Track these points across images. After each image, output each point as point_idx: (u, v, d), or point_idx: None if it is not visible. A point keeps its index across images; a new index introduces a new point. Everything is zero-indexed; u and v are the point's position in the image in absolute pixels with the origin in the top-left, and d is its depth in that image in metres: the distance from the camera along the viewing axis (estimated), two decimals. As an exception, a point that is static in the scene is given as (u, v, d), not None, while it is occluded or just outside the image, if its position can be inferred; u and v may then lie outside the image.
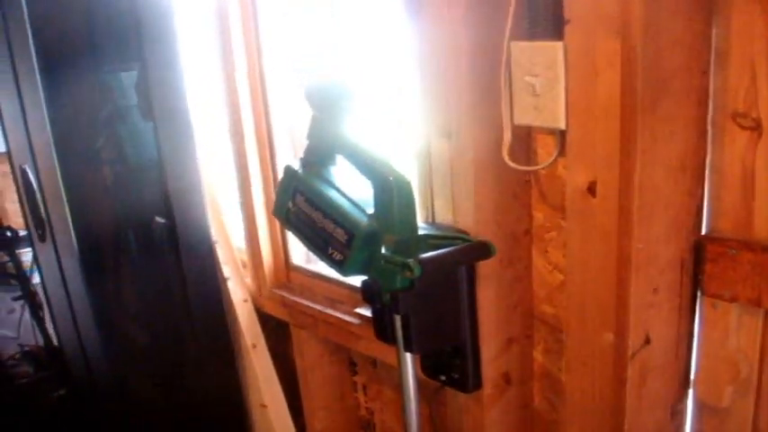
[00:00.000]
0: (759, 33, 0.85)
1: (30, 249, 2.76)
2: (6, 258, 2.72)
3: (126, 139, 1.63)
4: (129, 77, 1.59)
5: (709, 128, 0.93)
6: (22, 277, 2.59)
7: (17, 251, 2.68)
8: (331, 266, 1.16)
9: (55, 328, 2.10)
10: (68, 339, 1.96)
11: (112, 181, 1.65)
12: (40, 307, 2.50)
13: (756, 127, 0.88)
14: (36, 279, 2.57)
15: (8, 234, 2.84)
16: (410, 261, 0.98)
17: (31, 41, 1.44)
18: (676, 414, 1.07)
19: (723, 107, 0.90)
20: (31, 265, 2.75)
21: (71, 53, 1.52)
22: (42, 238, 1.82)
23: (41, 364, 2.45)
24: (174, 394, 1.77)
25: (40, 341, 2.46)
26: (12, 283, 3.19)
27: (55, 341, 2.34)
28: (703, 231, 0.98)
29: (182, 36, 1.58)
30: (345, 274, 1.15)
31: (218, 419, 1.78)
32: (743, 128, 0.89)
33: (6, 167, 3.58)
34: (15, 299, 2.69)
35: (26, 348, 2.59)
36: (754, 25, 0.85)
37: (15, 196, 3.67)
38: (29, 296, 2.54)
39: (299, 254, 1.66)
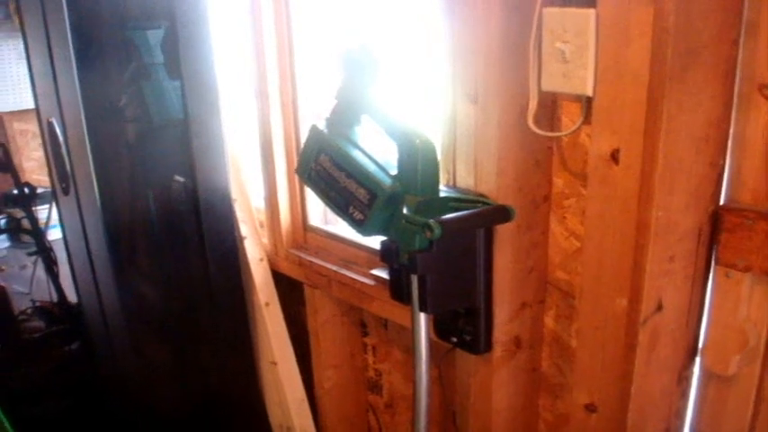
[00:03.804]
0: (790, 8, 0.87)
1: (46, 207, 2.81)
2: (23, 214, 2.76)
3: (150, 97, 1.65)
4: (154, 35, 1.61)
5: (734, 99, 0.94)
6: (38, 233, 2.62)
7: (34, 208, 2.72)
8: (351, 225, 1.18)
9: (74, 282, 2.13)
10: (87, 294, 1.99)
11: (135, 139, 1.68)
12: (54, 263, 2.54)
13: (781, 100, 0.89)
14: (51, 236, 2.61)
15: (26, 191, 2.88)
16: (431, 221, 1.01)
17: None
18: (682, 380, 1.10)
19: (750, 79, 0.92)
20: (47, 222, 2.79)
21: (102, 9, 1.54)
22: (66, 192, 1.85)
23: (54, 320, 2.49)
24: (186, 350, 1.80)
25: (54, 297, 2.50)
26: (24, 240, 3.24)
27: (68, 297, 2.38)
28: (722, 202, 1.00)
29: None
30: (365, 233, 1.17)
31: (228, 376, 1.82)
32: (768, 100, 0.91)
33: (24, 125, 3.62)
34: (31, 254, 2.72)
35: (38, 304, 2.62)
36: (786, -1, 0.86)
37: (33, 154, 3.70)
38: (44, 252, 2.57)
39: (317, 215, 1.68)
